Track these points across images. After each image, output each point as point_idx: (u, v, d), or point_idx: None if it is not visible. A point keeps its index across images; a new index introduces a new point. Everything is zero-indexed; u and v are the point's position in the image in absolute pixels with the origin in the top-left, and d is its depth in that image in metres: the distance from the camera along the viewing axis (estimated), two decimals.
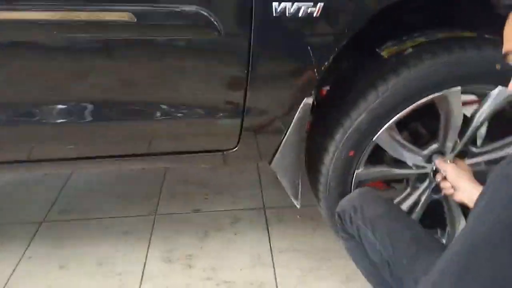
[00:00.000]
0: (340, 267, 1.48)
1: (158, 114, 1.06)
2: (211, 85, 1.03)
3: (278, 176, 1.31)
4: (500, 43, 0.84)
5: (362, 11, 0.94)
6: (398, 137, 1.18)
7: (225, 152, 1.16)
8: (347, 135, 1.14)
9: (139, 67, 0.98)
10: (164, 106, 1.05)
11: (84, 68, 0.97)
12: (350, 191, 1.23)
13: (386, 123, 1.12)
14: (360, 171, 1.21)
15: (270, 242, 1.61)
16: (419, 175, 1.26)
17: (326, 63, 1.01)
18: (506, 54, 0.83)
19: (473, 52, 1.07)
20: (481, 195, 0.75)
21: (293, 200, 1.30)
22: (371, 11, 0.94)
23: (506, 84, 1.09)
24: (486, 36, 1.11)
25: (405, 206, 1.29)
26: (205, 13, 0.91)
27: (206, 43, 0.97)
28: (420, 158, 1.22)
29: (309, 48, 0.98)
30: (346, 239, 1.16)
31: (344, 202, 1.16)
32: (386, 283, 1.07)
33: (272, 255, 1.55)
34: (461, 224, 1.32)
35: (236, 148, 1.15)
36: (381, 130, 1.13)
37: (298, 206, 1.31)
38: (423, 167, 1.23)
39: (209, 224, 1.70)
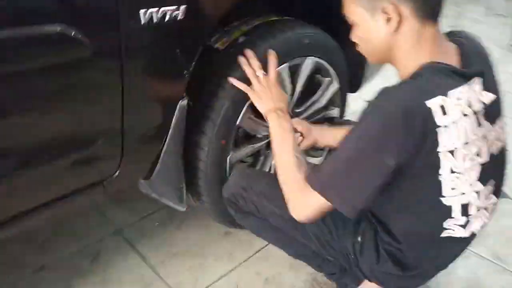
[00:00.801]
0: (225, 255, 1.54)
1: (25, 159, 0.84)
2: (87, 110, 0.89)
3: (150, 188, 1.25)
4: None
5: (221, 9, 1.00)
6: (252, 116, 1.33)
7: (106, 181, 1.03)
8: (216, 127, 1.21)
9: None
10: (30, 148, 0.84)
11: None
12: (227, 177, 1.31)
13: (245, 106, 1.25)
14: (231, 156, 1.31)
15: (146, 261, 1.52)
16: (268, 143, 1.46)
17: (193, 63, 1.04)
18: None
19: (289, 32, 1.30)
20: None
21: (177, 206, 1.28)
22: (229, 7, 1.01)
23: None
24: (291, 18, 1.37)
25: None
26: (70, 31, 0.78)
27: (74, 64, 0.83)
28: (267, 127, 1.42)
29: (177, 51, 0.98)
30: (245, 218, 1.25)
31: (230, 186, 1.24)
32: (293, 240, 1.24)
33: (156, 271, 1.48)
34: None
35: (117, 173, 1.05)
36: (241, 114, 1.26)
37: (183, 209, 1.30)
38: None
39: (67, 273, 1.44)
